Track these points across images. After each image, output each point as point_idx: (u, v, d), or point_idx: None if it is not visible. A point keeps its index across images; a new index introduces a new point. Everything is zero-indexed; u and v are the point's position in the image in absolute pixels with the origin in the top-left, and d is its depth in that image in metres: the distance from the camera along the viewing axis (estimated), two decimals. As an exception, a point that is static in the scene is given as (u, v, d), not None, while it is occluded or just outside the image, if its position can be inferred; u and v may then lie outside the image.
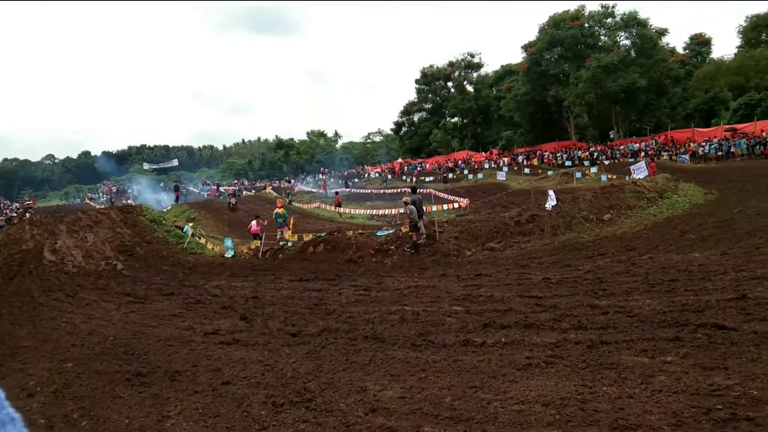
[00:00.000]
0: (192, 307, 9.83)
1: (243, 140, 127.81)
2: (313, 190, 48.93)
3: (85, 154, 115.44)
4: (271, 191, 47.35)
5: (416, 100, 64.88)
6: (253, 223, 17.92)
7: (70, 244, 16.04)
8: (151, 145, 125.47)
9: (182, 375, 6.01)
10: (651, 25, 41.86)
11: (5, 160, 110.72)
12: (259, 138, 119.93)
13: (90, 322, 9.18)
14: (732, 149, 31.59)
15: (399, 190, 35.23)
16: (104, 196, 53.81)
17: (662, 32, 42.65)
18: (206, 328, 7.99)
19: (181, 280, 13.04)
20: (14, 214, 33.41)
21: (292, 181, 52.34)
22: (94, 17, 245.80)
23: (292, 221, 18.14)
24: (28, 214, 29.87)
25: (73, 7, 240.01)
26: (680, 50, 50.91)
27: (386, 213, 26.55)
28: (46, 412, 5.34)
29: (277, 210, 17.62)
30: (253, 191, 51.50)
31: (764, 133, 31.50)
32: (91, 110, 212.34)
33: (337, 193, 34.47)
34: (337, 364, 5.82)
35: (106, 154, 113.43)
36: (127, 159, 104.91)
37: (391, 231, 15.14)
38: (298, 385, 5.28)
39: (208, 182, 66.14)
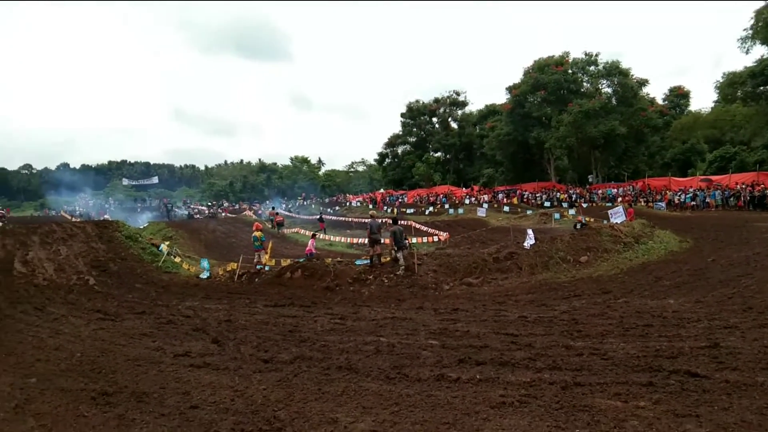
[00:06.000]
0: (163, 327, 9.63)
1: (225, 161, 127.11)
2: (294, 214, 48.80)
3: (64, 166, 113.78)
4: (251, 214, 47.27)
5: (401, 133, 65.79)
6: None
7: (42, 256, 15.67)
8: (132, 161, 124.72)
9: (149, 396, 5.85)
10: (632, 75, 43.14)
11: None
12: (242, 160, 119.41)
13: (57, 337, 8.91)
14: (707, 199, 32.37)
15: (380, 221, 35.13)
16: (80, 209, 53.01)
17: (643, 83, 43.95)
18: (176, 350, 7.82)
19: (154, 299, 12.80)
20: (-15, 223, 32.52)
21: (276, 209, 52.22)
22: (85, 26, 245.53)
23: (270, 245, 17.98)
24: (0, 223, 29.15)
25: (65, 13, 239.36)
26: (660, 101, 52.53)
27: (366, 242, 26.49)
28: (5, 429, 5.13)
29: (254, 233, 17.46)
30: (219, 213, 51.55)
31: (738, 186, 32.40)
32: (74, 123, 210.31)
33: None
34: (308, 393, 5.72)
35: (85, 167, 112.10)
36: (106, 174, 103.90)
37: (369, 261, 15.10)
38: (268, 413, 5.17)
39: (187, 201, 65.40)
